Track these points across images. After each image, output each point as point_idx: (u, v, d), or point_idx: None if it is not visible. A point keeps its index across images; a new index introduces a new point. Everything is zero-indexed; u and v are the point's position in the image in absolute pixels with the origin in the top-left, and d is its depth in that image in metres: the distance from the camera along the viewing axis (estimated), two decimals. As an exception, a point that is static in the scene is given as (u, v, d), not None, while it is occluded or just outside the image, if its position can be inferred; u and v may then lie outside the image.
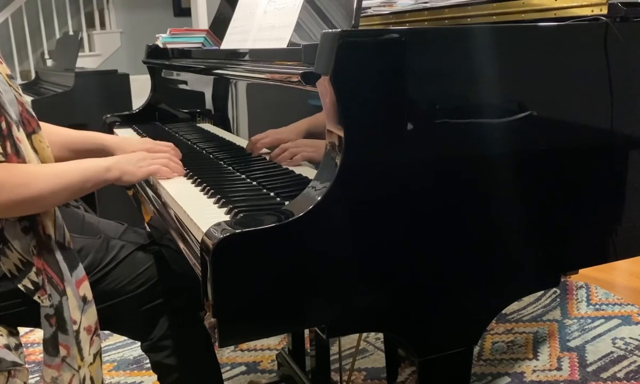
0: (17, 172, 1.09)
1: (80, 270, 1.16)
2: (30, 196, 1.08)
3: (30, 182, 1.09)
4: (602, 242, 1.10)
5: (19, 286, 1.12)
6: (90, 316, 1.16)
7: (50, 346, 1.14)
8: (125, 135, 1.79)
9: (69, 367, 1.15)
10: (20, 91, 1.20)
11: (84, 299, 1.15)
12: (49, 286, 1.12)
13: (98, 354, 1.19)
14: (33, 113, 1.20)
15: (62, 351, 1.14)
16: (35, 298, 1.13)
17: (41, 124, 1.24)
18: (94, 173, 1.18)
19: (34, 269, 1.12)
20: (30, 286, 1.13)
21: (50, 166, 1.19)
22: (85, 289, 1.16)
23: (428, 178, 0.91)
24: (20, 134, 1.13)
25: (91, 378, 1.17)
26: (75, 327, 1.14)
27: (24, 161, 1.12)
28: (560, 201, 1.02)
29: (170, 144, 1.40)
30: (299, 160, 1.14)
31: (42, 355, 1.16)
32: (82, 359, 1.15)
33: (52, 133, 1.36)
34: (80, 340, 1.14)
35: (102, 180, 1.19)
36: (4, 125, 1.09)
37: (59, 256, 1.14)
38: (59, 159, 1.29)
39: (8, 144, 1.09)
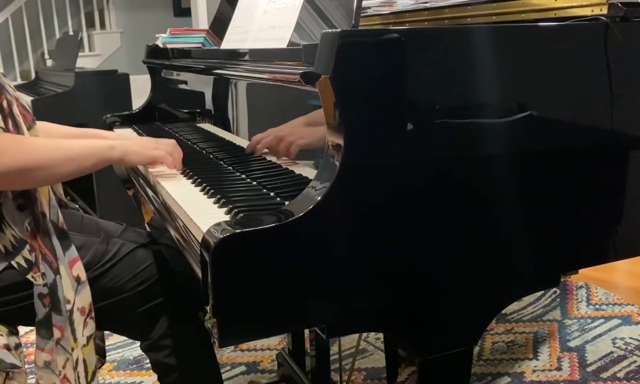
0: (20, 140, 1.09)
1: (73, 251, 1.15)
2: (32, 164, 1.08)
3: (32, 150, 1.09)
4: (602, 242, 1.10)
5: (12, 263, 1.12)
6: (84, 297, 1.15)
7: (44, 328, 1.13)
8: (125, 135, 1.80)
9: (63, 350, 1.13)
10: (14, 87, 1.20)
11: (78, 280, 1.14)
12: (43, 263, 1.12)
13: (92, 337, 1.17)
14: (28, 108, 1.20)
15: (56, 333, 1.13)
16: (29, 277, 1.12)
17: (39, 122, 1.24)
18: (98, 150, 1.18)
19: (27, 246, 1.12)
20: (23, 264, 1.12)
21: (53, 140, 1.19)
22: (79, 270, 1.15)
23: (428, 178, 0.91)
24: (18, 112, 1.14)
25: (84, 361, 1.16)
26: (69, 307, 1.12)
27: None
28: (560, 201, 1.02)
29: (173, 140, 1.40)
30: (295, 150, 1.14)
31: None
32: (75, 340, 1.14)
33: (51, 131, 1.37)
34: (73, 320, 1.13)
35: (106, 158, 1.18)
36: (5, 103, 1.10)
37: (52, 235, 1.13)
38: None
39: (10, 121, 1.10)
